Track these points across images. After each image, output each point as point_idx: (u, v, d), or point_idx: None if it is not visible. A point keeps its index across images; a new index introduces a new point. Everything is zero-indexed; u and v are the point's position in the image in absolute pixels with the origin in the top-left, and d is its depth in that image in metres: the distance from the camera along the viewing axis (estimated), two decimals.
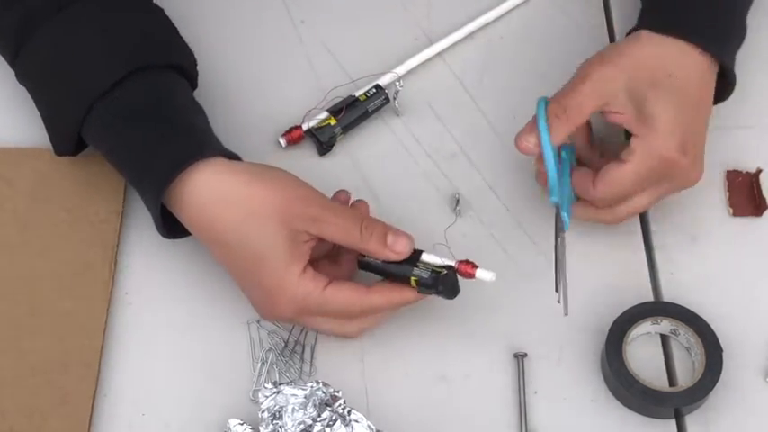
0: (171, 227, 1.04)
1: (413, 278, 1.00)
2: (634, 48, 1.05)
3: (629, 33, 1.08)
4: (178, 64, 1.08)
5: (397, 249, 1.00)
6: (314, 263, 1.02)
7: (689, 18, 1.07)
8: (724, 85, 1.09)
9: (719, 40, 1.07)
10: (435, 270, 1.00)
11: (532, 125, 1.03)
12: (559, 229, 1.02)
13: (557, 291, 1.01)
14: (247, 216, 0.99)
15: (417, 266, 1.00)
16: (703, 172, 1.07)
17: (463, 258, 1.02)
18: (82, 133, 1.06)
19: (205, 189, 1.01)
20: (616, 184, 1.04)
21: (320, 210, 1.00)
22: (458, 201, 1.11)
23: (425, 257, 1.01)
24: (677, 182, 1.06)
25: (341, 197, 1.06)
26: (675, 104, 1.03)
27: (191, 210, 1.02)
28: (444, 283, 1.00)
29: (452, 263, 1.01)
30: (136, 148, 1.03)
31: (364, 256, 1.02)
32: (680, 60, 1.05)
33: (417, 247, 1.02)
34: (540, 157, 1.03)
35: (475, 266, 1.01)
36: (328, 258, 1.05)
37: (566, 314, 1.01)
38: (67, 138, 1.07)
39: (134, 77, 1.04)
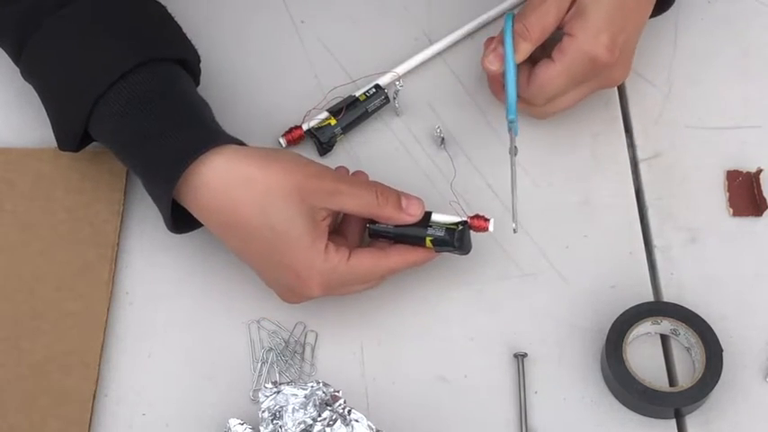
0: (176, 221, 1.04)
1: (428, 238, 1.03)
2: None
3: None
4: (183, 58, 1.09)
5: (411, 212, 1.03)
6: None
7: None
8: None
9: None
10: (449, 227, 1.03)
11: (497, 45, 1.09)
12: (513, 148, 1.06)
13: (514, 213, 1.04)
14: (268, 195, 1.00)
15: (430, 227, 1.03)
16: (629, 73, 1.11)
17: (473, 214, 1.04)
18: (89, 127, 1.06)
19: (224, 172, 1.01)
20: (547, 83, 1.09)
21: (336, 183, 1.02)
22: (442, 139, 1.13)
23: (436, 217, 1.04)
24: (601, 80, 1.11)
25: (341, 171, 1.08)
26: (611, 4, 1.07)
27: (210, 195, 1.01)
28: (460, 238, 1.03)
29: (464, 218, 1.04)
30: (147, 137, 1.03)
31: (374, 223, 1.04)
32: None
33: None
34: (499, 74, 1.10)
35: (487, 219, 1.04)
36: (334, 232, 1.06)
37: (515, 231, 1.04)
38: (73, 132, 1.07)
39: (141, 69, 1.04)
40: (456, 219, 1.04)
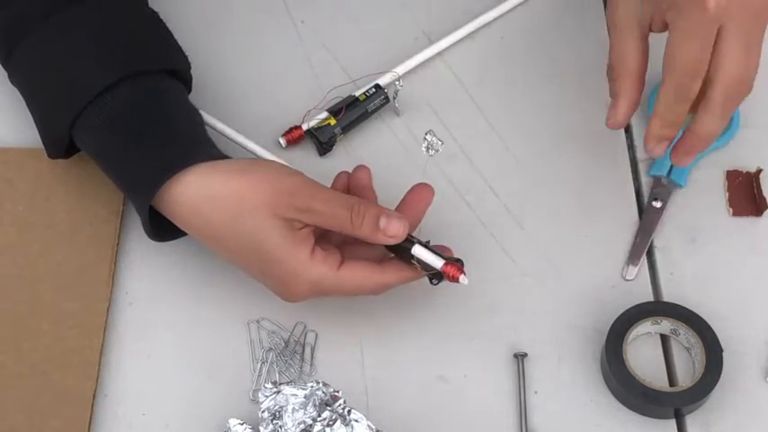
0: (161, 230, 1.04)
1: None
2: None
3: None
4: (171, 69, 1.08)
5: (391, 233, 0.99)
6: (336, 245, 1.02)
7: None
8: None
9: None
10: (427, 274, 1.00)
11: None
12: (652, 196, 1.10)
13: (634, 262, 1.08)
14: (237, 212, 0.99)
15: (411, 264, 1.00)
16: None
17: (453, 258, 1.00)
18: (73, 137, 1.06)
19: (193, 191, 1.00)
20: (674, 51, 0.98)
21: (308, 200, 0.99)
22: (428, 146, 1.12)
23: (417, 251, 1.00)
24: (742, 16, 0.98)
25: (340, 178, 1.06)
26: None
27: (183, 213, 1.01)
28: (437, 283, 1.00)
29: (440, 264, 0.99)
30: (124, 153, 1.03)
31: None
32: None
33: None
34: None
35: (461, 270, 0.99)
36: (324, 237, 1.03)
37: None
38: (59, 141, 1.07)
39: (125, 83, 1.04)
40: (435, 260, 0.99)
